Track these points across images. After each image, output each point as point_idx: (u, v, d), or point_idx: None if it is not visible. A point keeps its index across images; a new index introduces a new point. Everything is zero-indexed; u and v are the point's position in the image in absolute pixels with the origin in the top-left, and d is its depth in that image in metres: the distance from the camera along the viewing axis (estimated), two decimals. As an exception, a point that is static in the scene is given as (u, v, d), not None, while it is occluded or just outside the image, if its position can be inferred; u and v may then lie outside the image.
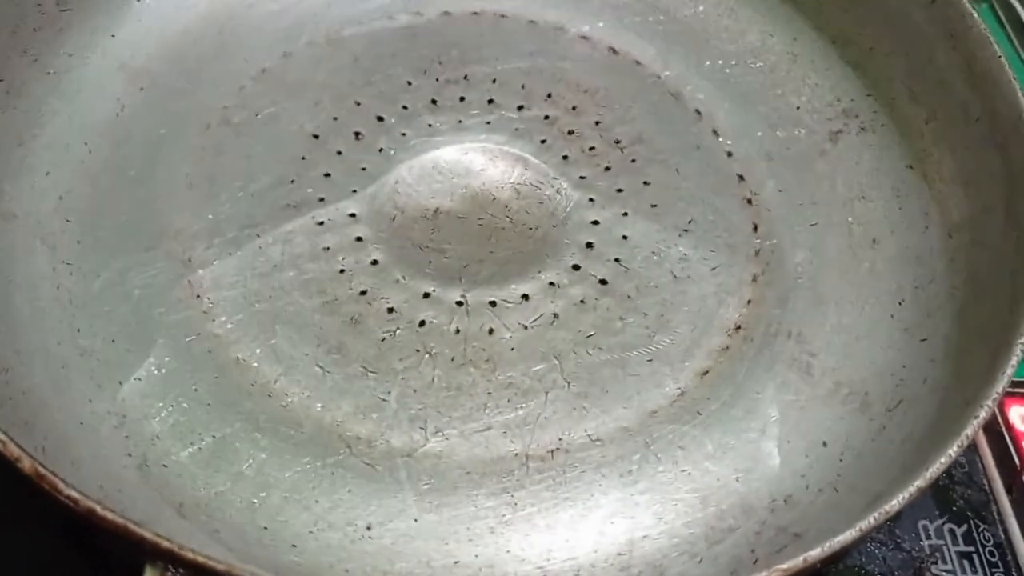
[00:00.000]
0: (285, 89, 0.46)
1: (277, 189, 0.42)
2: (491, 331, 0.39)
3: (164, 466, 0.34)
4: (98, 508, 0.26)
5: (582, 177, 0.45)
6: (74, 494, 0.26)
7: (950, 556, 0.37)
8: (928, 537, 0.38)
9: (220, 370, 0.37)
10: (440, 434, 0.36)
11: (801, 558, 0.27)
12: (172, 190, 0.42)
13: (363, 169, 0.44)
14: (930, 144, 0.44)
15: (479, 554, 0.33)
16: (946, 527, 0.38)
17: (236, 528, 0.33)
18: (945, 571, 0.37)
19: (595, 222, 0.43)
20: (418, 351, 0.38)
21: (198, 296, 0.39)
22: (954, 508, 0.39)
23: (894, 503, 0.29)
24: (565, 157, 0.45)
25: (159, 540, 0.25)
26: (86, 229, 0.40)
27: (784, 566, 0.27)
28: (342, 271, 0.40)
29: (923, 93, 0.44)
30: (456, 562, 0.33)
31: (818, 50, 0.49)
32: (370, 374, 0.37)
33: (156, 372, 0.37)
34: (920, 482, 0.29)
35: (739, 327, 0.40)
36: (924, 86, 0.44)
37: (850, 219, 0.44)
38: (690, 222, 0.43)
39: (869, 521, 0.28)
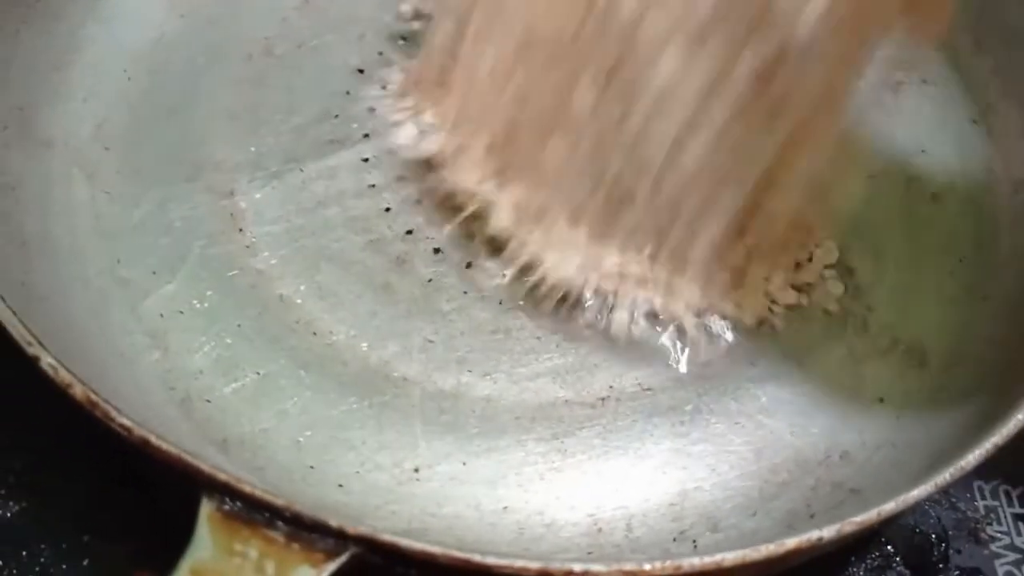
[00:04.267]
0: (328, 20, 0.44)
1: (321, 123, 0.41)
2: (541, 275, 0.38)
3: (207, 401, 0.33)
4: (152, 438, 0.25)
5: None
6: (127, 422, 0.25)
7: (1005, 517, 0.37)
8: (983, 498, 0.37)
9: (263, 306, 0.36)
10: (488, 377, 0.35)
11: (875, 511, 0.26)
12: (213, 121, 0.41)
13: (409, 105, 0.42)
14: (996, 97, 0.42)
15: (529, 500, 0.33)
16: (1001, 488, 0.37)
17: (281, 466, 0.32)
18: (1000, 532, 0.36)
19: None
20: (465, 293, 0.37)
21: (240, 230, 0.38)
22: (1010, 469, 0.38)
23: (970, 459, 0.28)
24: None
25: (215, 472, 0.24)
26: (125, 158, 0.39)
27: (859, 519, 0.26)
28: (387, 209, 0.39)
29: (990, 43, 0.43)
30: (505, 507, 0.32)
31: (879, -3, 0.47)
32: (417, 315, 0.36)
33: (198, 306, 0.36)
34: (997, 439, 0.28)
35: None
36: (991, 36, 0.43)
37: (910, 173, 0.43)
38: (744, 170, 0.42)
39: (945, 476, 0.27)
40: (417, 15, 0.44)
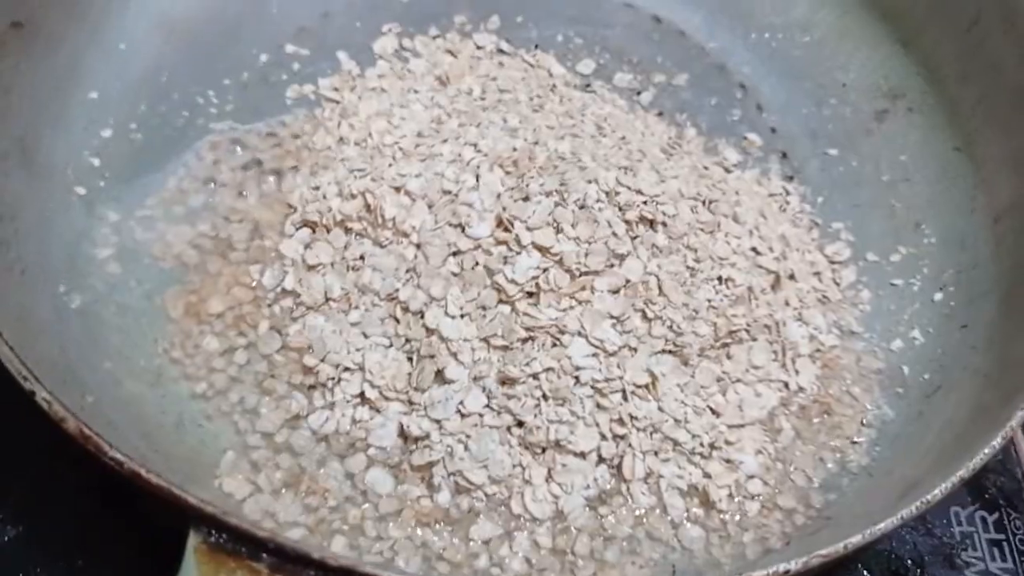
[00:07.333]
0: (324, 49, 0.45)
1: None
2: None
3: (199, 426, 0.34)
4: (143, 471, 0.26)
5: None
6: (119, 456, 0.26)
7: (981, 543, 0.37)
8: (959, 524, 0.38)
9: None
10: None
11: (842, 544, 0.27)
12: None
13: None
14: (979, 126, 0.43)
15: None
16: (978, 514, 0.38)
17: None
18: (975, 558, 0.37)
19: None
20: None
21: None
22: (986, 495, 0.38)
23: (936, 492, 0.28)
24: (605, 127, 0.45)
25: (202, 505, 0.25)
26: (125, 186, 0.40)
27: (824, 552, 0.27)
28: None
29: (974, 74, 0.43)
30: None
31: (867, 26, 0.48)
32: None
33: (195, 332, 0.37)
34: (963, 472, 0.29)
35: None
36: (976, 67, 0.43)
37: (894, 201, 0.43)
38: (731, 198, 0.43)
39: (911, 510, 0.28)
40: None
